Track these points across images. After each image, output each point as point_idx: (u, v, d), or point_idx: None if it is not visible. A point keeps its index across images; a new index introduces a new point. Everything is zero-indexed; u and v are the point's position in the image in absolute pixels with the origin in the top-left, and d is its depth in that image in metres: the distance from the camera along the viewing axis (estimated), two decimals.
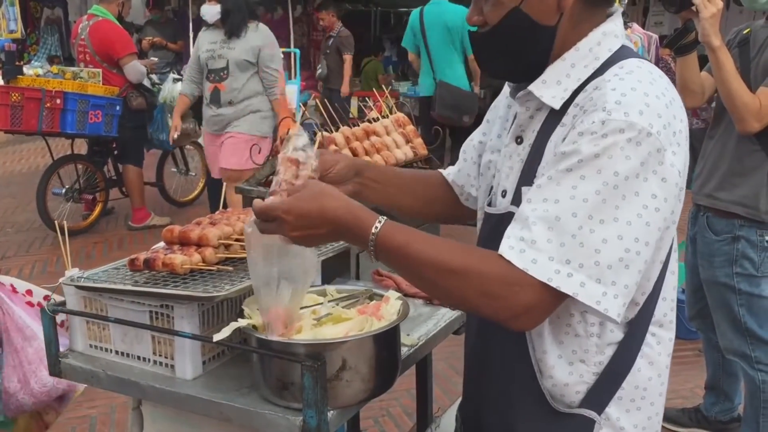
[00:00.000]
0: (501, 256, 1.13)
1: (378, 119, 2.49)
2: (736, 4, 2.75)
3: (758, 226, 2.67)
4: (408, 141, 2.48)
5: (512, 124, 1.35)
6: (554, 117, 1.24)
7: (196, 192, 7.33)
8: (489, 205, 1.38)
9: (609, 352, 1.27)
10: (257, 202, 1.26)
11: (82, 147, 6.49)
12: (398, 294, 1.61)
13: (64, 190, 6.10)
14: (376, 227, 1.19)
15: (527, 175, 1.26)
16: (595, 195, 1.11)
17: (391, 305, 1.55)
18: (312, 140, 2.11)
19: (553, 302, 1.14)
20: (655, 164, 1.12)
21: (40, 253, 5.87)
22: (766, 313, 2.76)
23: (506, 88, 1.44)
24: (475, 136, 1.56)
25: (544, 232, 1.11)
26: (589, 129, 1.12)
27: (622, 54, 1.24)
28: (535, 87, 1.25)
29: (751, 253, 2.67)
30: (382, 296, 1.60)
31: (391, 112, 2.56)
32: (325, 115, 2.22)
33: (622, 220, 1.11)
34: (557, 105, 1.24)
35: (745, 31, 2.74)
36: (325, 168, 1.42)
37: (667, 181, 1.13)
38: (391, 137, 2.42)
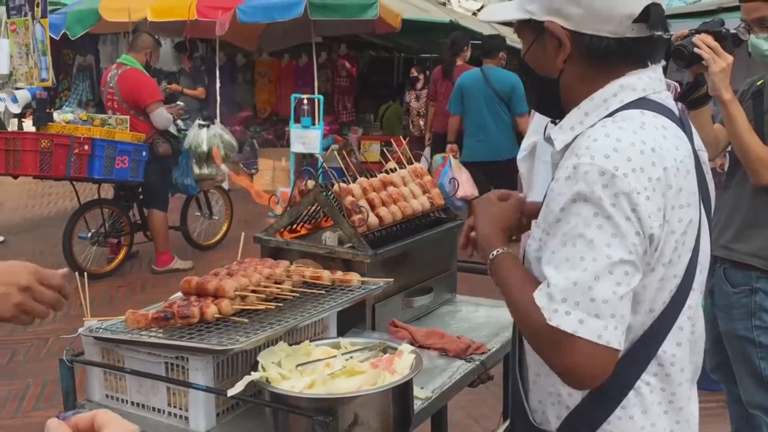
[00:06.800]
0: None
1: (395, 170, 2.52)
2: None
3: None
4: (425, 191, 2.50)
5: None
6: None
7: (219, 236, 7.41)
8: None
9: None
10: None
11: (108, 191, 6.63)
12: (412, 347, 1.62)
13: (89, 234, 6.20)
14: (494, 254, 1.40)
15: None
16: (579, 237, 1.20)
17: (404, 359, 1.56)
18: (330, 189, 2.16)
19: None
20: (623, 205, 1.18)
21: None
22: None
23: None
24: None
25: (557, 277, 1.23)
26: (565, 174, 1.23)
27: (633, 105, 1.29)
28: (553, 132, 1.37)
29: None
30: (395, 349, 1.61)
31: (409, 162, 2.60)
32: (342, 165, 2.26)
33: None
34: (558, 148, 1.34)
35: (759, 83, 2.75)
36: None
37: (631, 220, 1.19)
38: (408, 188, 2.46)
